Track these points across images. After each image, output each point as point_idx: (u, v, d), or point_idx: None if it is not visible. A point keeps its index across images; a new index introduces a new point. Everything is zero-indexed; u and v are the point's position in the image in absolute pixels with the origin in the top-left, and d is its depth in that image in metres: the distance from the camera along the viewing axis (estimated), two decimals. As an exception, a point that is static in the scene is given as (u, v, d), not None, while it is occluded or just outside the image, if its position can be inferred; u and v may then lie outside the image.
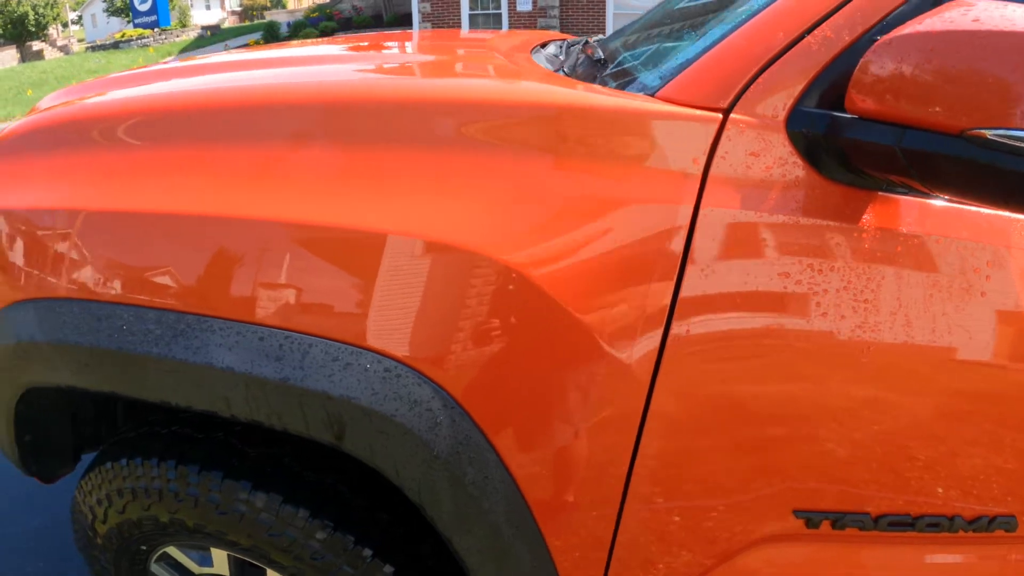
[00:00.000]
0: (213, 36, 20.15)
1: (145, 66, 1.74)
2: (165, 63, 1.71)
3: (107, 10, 33.00)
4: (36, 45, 28.92)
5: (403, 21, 16.63)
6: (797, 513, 0.86)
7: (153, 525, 1.10)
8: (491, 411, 0.81)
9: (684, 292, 0.76)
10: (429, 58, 1.42)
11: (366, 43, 1.62)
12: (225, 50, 15.09)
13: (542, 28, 14.40)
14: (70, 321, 0.95)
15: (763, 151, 0.77)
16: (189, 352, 0.85)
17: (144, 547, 1.18)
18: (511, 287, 0.76)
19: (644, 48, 1.18)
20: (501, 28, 14.64)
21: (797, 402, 0.80)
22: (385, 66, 1.26)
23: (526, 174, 0.79)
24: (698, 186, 0.77)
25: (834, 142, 0.75)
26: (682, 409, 0.80)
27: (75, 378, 0.98)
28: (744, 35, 0.82)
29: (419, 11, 14.87)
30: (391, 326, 0.78)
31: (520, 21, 14.56)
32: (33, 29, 28.98)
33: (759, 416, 0.80)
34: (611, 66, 1.13)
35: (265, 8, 38.33)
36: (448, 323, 0.78)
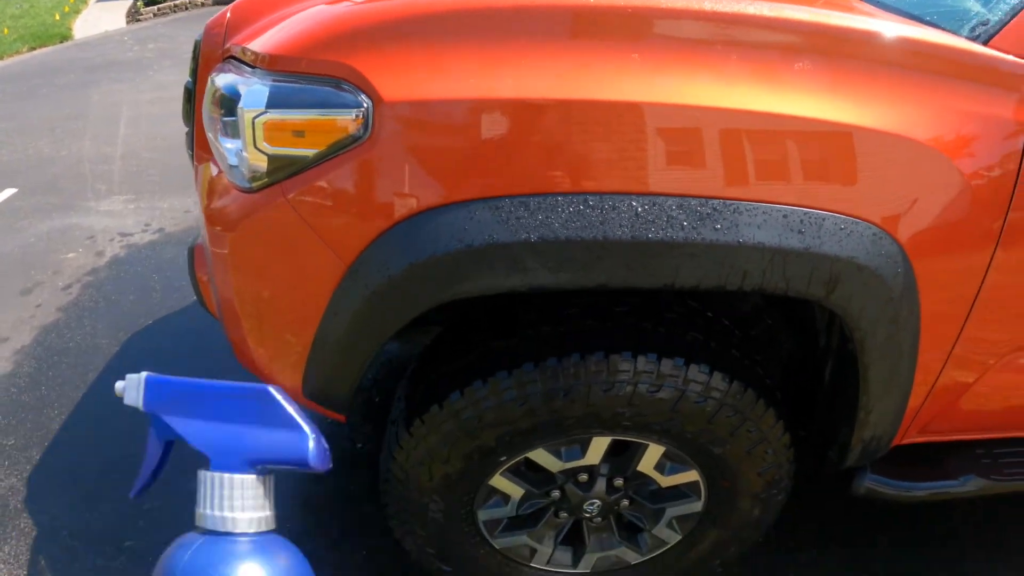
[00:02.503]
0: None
1: None
2: None
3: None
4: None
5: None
6: None
7: (527, 432, 1.24)
8: (923, 265, 1.13)
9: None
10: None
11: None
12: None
13: None
14: (558, 217, 1.04)
15: None
16: (719, 233, 1.05)
17: (503, 458, 1.30)
18: (954, 177, 1.08)
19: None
20: None
21: None
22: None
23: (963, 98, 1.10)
24: None
25: None
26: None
27: (548, 276, 1.07)
28: None
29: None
30: (879, 202, 1.09)
31: None
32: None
33: None
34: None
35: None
36: (909, 197, 1.09)
